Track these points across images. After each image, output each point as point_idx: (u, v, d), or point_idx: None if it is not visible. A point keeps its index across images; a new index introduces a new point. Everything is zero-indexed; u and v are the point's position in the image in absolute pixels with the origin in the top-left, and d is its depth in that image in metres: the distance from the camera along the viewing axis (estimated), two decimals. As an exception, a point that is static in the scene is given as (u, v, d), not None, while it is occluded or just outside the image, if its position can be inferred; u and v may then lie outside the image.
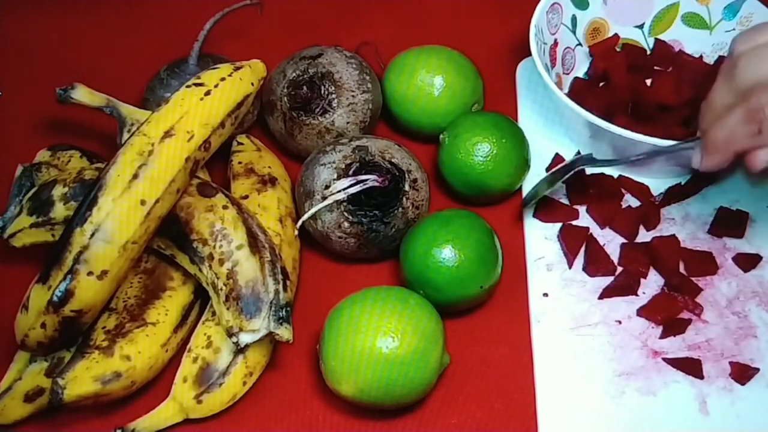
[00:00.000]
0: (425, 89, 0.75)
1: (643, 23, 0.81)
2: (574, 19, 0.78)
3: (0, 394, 0.62)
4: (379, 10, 0.90)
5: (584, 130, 0.71)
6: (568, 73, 0.79)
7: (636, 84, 0.77)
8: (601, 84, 0.78)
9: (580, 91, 0.77)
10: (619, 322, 0.67)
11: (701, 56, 0.80)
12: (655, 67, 0.80)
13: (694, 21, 0.80)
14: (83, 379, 0.59)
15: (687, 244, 0.70)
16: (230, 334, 0.61)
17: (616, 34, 0.80)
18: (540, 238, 0.72)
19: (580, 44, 0.79)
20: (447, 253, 0.63)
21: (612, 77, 0.77)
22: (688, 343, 0.66)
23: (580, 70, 0.80)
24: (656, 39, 0.81)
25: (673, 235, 0.70)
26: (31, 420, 0.62)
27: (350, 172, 0.67)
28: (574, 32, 0.78)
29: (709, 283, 0.69)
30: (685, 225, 0.72)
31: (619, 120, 0.71)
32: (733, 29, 0.78)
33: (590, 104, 0.71)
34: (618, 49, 0.80)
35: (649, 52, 0.81)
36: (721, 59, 0.78)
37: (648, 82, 0.79)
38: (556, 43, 0.76)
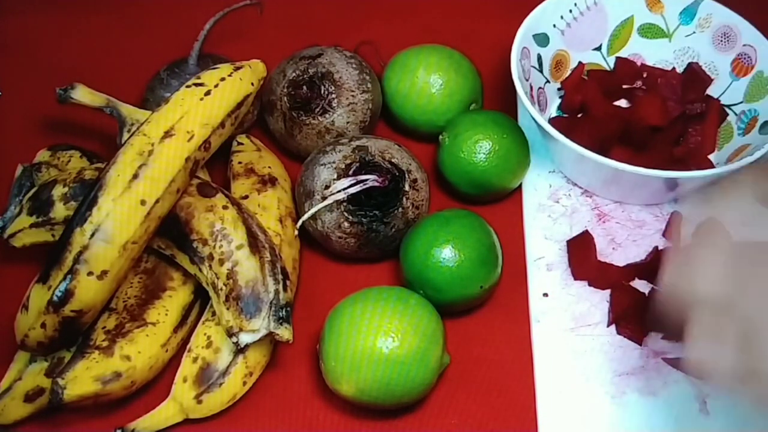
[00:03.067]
0: (424, 88, 0.75)
1: (601, 44, 0.80)
2: (539, 57, 0.76)
3: (0, 394, 0.62)
4: (379, 10, 0.90)
5: (602, 175, 0.71)
6: (543, 113, 0.77)
7: (620, 112, 0.76)
8: (578, 115, 0.77)
9: (565, 130, 0.69)
10: (619, 322, 0.67)
11: (673, 67, 0.79)
12: (623, 86, 0.79)
13: (652, 31, 0.79)
14: (83, 379, 0.59)
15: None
16: (230, 334, 0.61)
17: (579, 63, 0.79)
18: (540, 238, 0.72)
19: (548, 81, 0.78)
20: (447, 253, 0.63)
21: (592, 109, 0.76)
22: (688, 343, 0.66)
23: (552, 107, 0.79)
24: (616, 57, 0.80)
25: None
26: (31, 420, 0.62)
27: (350, 172, 0.67)
28: (541, 71, 0.77)
29: (709, 283, 0.69)
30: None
31: (616, 152, 0.70)
32: (693, 32, 0.78)
33: (581, 141, 0.68)
34: (585, 77, 0.79)
35: (611, 71, 0.80)
36: (690, 65, 0.78)
37: (621, 102, 0.78)
38: (531, 88, 0.74)
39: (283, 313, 0.61)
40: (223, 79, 0.66)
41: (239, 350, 0.62)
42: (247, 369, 0.63)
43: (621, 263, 0.70)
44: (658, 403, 0.63)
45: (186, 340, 0.65)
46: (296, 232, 0.68)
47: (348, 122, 0.73)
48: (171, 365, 0.64)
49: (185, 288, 0.66)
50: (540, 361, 0.65)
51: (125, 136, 0.70)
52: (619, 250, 0.71)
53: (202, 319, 0.65)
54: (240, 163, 0.73)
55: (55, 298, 0.59)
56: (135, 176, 0.60)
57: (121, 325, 0.62)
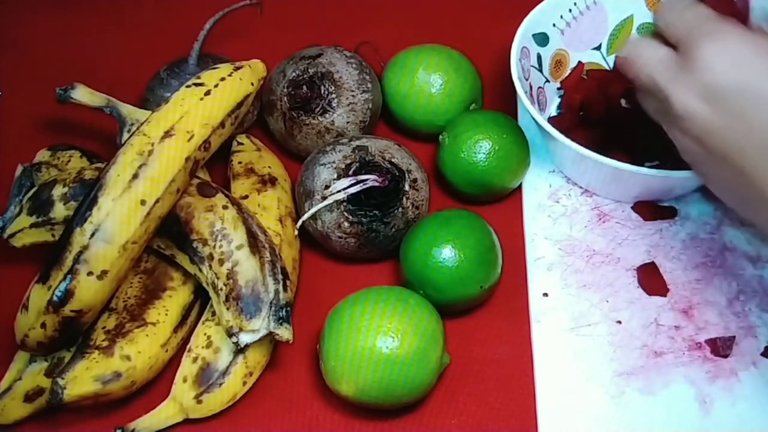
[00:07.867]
0: (424, 88, 0.75)
1: (600, 44, 0.80)
2: (539, 57, 0.76)
3: (0, 394, 0.62)
4: (379, 10, 0.90)
5: (602, 175, 0.71)
6: (542, 113, 0.76)
7: (620, 111, 0.75)
8: (580, 113, 0.77)
9: (565, 130, 0.69)
10: (619, 322, 0.67)
11: None
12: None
13: (651, 31, 0.79)
14: (83, 379, 0.59)
15: (687, 243, 0.70)
16: (230, 334, 0.61)
17: (579, 62, 0.79)
18: (540, 238, 0.72)
19: (548, 81, 0.78)
20: (447, 253, 0.63)
21: (591, 109, 0.75)
22: (688, 343, 0.66)
23: (552, 106, 0.79)
24: (616, 57, 0.79)
25: None
26: (31, 420, 0.62)
27: (350, 172, 0.67)
28: (541, 71, 0.76)
29: (710, 282, 0.69)
30: (685, 225, 0.72)
31: (616, 152, 0.70)
32: None
33: (581, 141, 0.68)
34: (584, 77, 0.79)
35: (611, 71, 0.79)
36: None
37: (622, 101, 0.78)
38: (531, 87, 0.74)
39: (283, 313, 0.61)
40: (223, 79, 0.66)
41: (239, 350, 0.62)
42: (247, 369, 0.63)
43: (621, 263, 0.70)
44: (658, 403, 0.63)
45: (186, 340, 0.65)
46: (296, 232, 0.68)
47: (348, 122, 0.73)
48: (171, 365, 0.64)
49: (185, 288, 0.66)
50: (540, 361, 0.65)
51: (125, 136, 0.70)
52: (619, 250, 0.71)
53: (202, 319, 0.65)
54: (240, 163, 0.73)
55: (55, 298, 0.59)
56: (135, 176, 0.60)
57: (121, 325, 0.62)
